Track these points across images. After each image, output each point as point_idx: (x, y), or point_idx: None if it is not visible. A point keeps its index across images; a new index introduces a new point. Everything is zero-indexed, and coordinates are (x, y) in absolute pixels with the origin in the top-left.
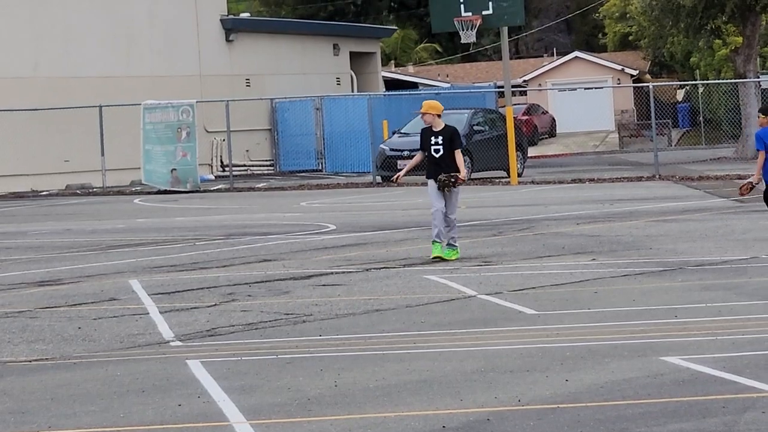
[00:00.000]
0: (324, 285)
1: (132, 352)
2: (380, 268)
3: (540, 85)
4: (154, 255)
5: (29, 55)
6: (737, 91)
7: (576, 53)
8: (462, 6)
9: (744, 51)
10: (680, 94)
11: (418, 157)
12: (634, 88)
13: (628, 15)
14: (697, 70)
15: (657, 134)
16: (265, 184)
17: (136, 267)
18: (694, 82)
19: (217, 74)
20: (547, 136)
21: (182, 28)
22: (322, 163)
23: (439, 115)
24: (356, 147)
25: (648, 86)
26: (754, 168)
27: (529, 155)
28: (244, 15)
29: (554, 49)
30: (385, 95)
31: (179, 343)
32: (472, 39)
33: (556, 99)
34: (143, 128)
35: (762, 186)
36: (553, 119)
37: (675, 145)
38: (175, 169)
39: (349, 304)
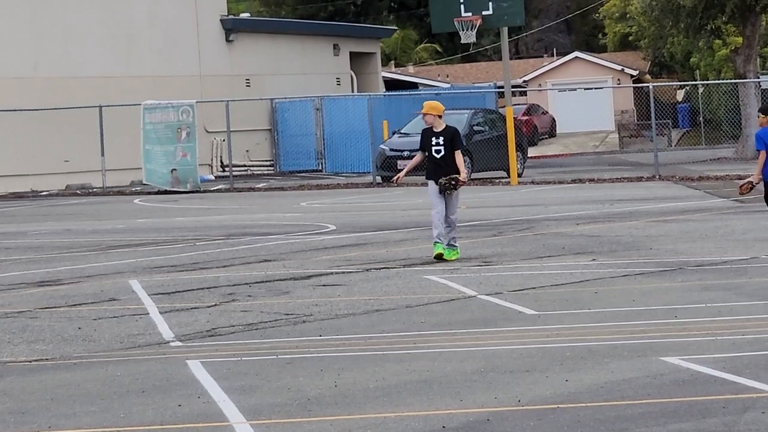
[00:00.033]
0: (324, 285)
1: (132, 352)
2: (380, 269)
3: (540, 85)
4: (154, 255)
5: (29, 55)
6: (737, 92)
7: (576, 53)
8: (462, 6)
9: (744, 51)
10: (680, 95)
11: (418, 157)
12: (634, 88)
13: (628, 15)
14: (697, 71)
15: (657, 134)
16: (265, 184)
17: (136, 267)
18: (694, 83)
19: (217, 74)
20: (547, 136)
21: (182, 28)
22: (322, 164)
23: (440, 116)
24: (356, 147)
25: (648, 86)
26: (754, 168)
27: (529, 155)
28: (244, 15)
29: (554, 49)
30: (385, 95)
31: (179, 344)
32: (472, 39)
33: (556, 99)
34: (143, 128)
35: (762, 186)
36: (553, 119)
37: (675, 146)
38: (175, 170)
39: (349, 305)
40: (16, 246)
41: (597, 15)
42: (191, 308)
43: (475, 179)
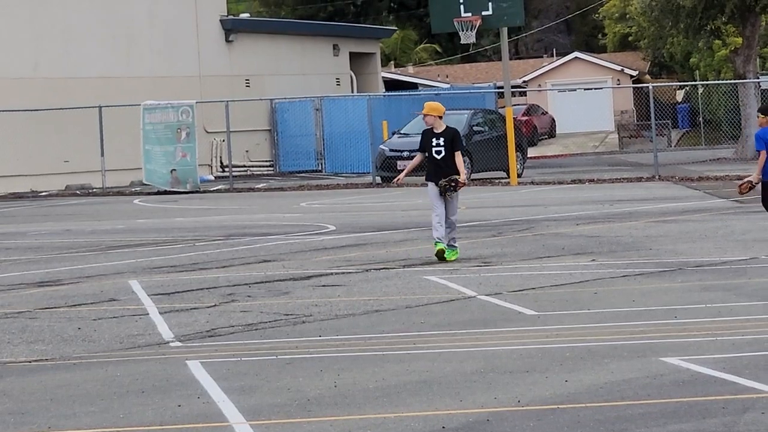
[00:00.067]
0: (324, 286)
1: (132, 352)
2: (380, 269)
3: (540, 85)
4: (153, 255)
5: (29, 56)
6: (737, 92)
7: (576, 54)
8: (462, 6)
9: (743, 51)
10: (680, 95)
11: (418, 158)
12: (634, 88)
13: (627, 15)
14: (697, 71)
15: (657, 135)
16: (264, 184)
17: (135, 267)
18: (693, 83)
19: (217, 75)
20: (546, 136)
21: (182, 28)
22: (321, 164)
23: (440, 117)
24: (356, 147)
25: (648, 87)
26: (754, 168)
27: (528, 156)
28: (244, 15)
29: (554, 49)
30: (384, 96)
31: (179, 344)
32: (472, 39)
33: (556, 99)
34: (143, 129)
35: (760, 187)
36: (553, 120)
37: (675, 146)
38: (174, 170)
39: (348, 305)
40: (15, 246)
41: (597, 15)
42: (191, 309)
43: (475, 179)
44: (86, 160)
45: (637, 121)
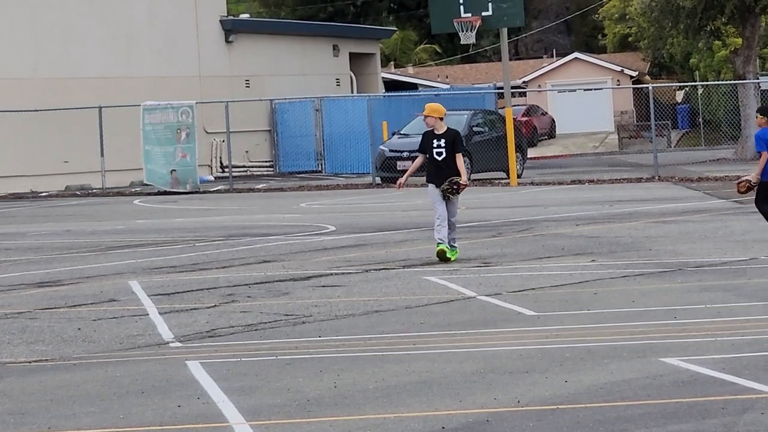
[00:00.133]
0: (323, 286)
1: (131, 353)
2: (380, 269)
3: (539, 86)
4: (153, 256)
5: (29, 56)
6: (737, 93)
7: (575, 54)
8: (461, 7)
9: (743, 52)
10: (680, 96)
11: (419, 160)
12: (634, 89)
13: (627, 16)
14: (697, 72)
15: (656, 135)
16: (264, 185)
17: (135, 268)
18: (693, 84)
19: (217, 75)
20: (546, 137)
21: (182, 28)
22: (321, 164)
23: (441, 118)
24: (356, 148)
25: (647, 87)
26: (754, 169)
27: (528, 156)
28: (244, 16)
29: (554, 50)
30: (384, 96)
31: (179, 344)
32: (472, 40)
33: (556, 100)
34: (143, 129)
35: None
36: (553, 120)
37: (674, 147)
38: (174, 170)
39: (348, 305)
40: (15, 247)
41: (596, 16)
42: (191, 309)
43: (475, 180)
44: (86, 160)
45: (637, 121)
